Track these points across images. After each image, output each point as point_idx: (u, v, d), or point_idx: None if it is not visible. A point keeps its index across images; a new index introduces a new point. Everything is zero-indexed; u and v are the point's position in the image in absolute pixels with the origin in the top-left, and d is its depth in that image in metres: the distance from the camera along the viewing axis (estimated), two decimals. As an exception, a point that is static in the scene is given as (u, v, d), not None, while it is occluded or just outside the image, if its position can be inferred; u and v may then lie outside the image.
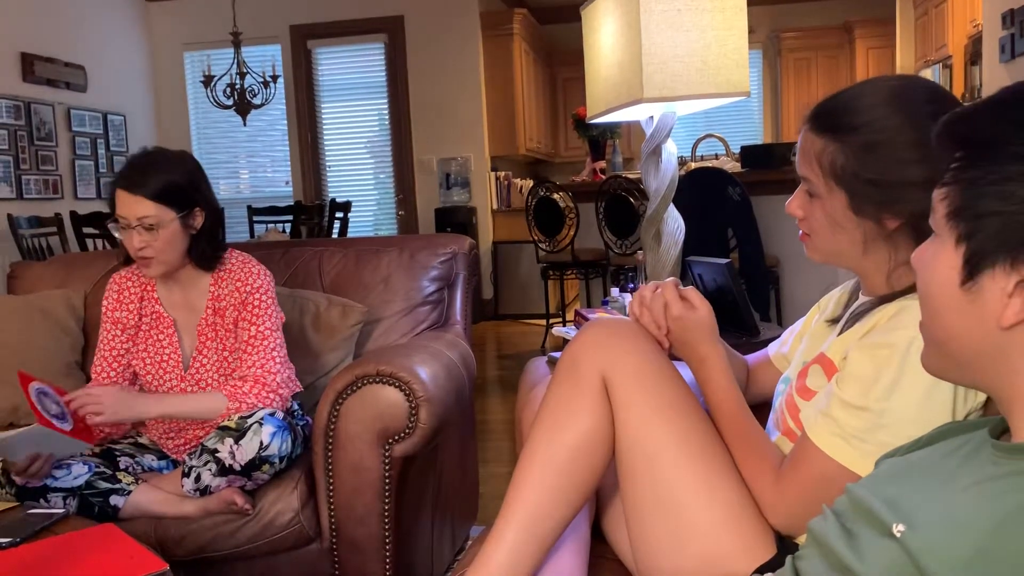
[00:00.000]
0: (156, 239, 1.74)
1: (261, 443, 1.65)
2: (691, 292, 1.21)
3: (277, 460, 1.68)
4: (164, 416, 1.78)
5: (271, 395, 1.77)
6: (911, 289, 1.04)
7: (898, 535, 0.70)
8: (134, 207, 1.72)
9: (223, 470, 1.65)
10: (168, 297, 1.89)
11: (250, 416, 1.69)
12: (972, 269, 0.70)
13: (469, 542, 2.16)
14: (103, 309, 1.91)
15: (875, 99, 1.07)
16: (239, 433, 1.66)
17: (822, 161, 1.09)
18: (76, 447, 1.69)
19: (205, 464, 1.66)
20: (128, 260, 1.86)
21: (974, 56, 5.61)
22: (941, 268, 0.72)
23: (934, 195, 0.74)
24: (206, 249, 1.84)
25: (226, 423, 1.70)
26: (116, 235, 1.80)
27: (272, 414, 1.70)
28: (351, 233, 6.39)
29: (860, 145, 1.06)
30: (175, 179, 1.76)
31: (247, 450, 1.64)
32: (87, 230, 4.73)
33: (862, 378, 1.00)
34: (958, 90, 5.97)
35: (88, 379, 2.30)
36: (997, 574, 0.63)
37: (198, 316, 1.86)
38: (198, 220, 1.81)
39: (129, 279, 1.91)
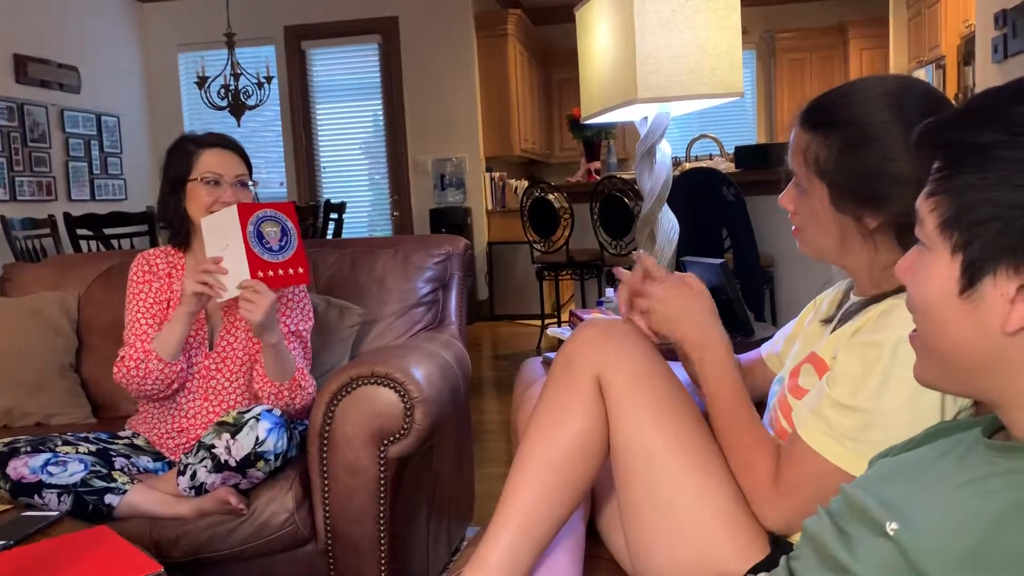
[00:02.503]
0: (247, 197, 1.87)
1: (257, 438, 1.66)
2: (689, 277, 1.23)
3: (272, 457, 1.68)
4: (276, 344, 1.77)
5: (304, 393, 1.83)
6: (901, 289, 1.05)
7: (892, 533, 0.70)
8: (233, 164, 1.87)
9: (218, 466, 1.66)
10: None
11: (247, 411, 1.70)
12: (972, 277, 0.69)
13: (465, 543, 2.16)
14: (132, 284, 1.93)
15: (864, 96, 1.07)
16: (236, 428, 1.67)
17: (807, 155, 1.10)
18: (237, 264, 1.69)
19: (201, 461, 1.67)
20: (171, 240, 1.93)
21: (967, 56, 5.63)
22: (936, 279, 0.71)
23: (920, 206, 0.73)
24: None
25: (223, 418, 1.71)
26: (193, 198, 1.84)
27: (270, 410, 1.71)
28: (346, 234, 6.39)
29: (844, 140, 1.06)
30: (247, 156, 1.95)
31: (243, 445, 1.65)
32: (81, 232, 4.72)
33: (851, 377, 1.00)
34: (951, 91, 5.99)
35: (82, 381, 2.31)
36: (991, 572, 0.63)
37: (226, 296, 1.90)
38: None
39: (157, 256, 1.96)
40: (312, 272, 2.27)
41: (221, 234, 1.73)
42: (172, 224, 1.90)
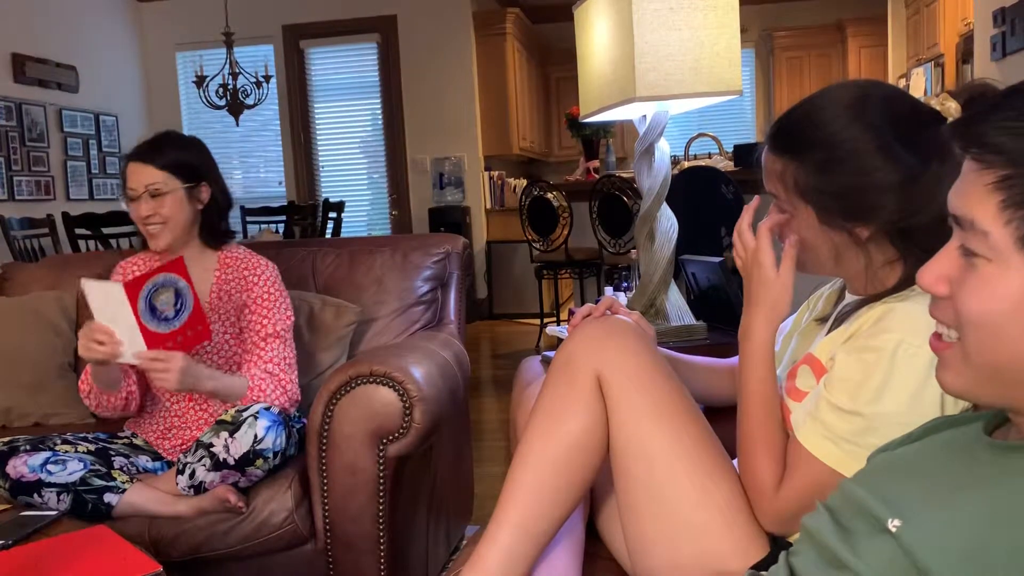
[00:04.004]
0: (162, 206, 1.81)
1: (255, 436, 1.66)
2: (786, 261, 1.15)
3: (271, 455, 1.68)
4: (211, 390, 1.75)
5: (283, 395, 1.81)
6: (895, 289, 1.04)
7: (894, 530, 0.70)
8: (142, 175, 1.82)
9: (217, 464, 1.66)
10: None
11: (245, 409, 1.70)
12: None
13: (464, 542, 2.16)
14: None
15: (829, 115, 1.06)
16: (234, 426, 1.66)
17: (785, 180, 1.09)
18: (132, 339, 1.63)
19: (200, 460, 1.66)
20: (145, 244, 1.92)
21: (966, 54, 5.63)
22: (1010, 294, 0.66)
23: (976, 216, 0.67)
24: (215, 223, 1.92)
25: (223, 417, 1.71)
26: (126, 208, 1.86)
27: (267, 408, 1.71)
28: (344, 233, 6.39)
29: (820, 161, 1.05)
30: (184, 155, 1.87)
31: (241, 443, 1.65)
32: (79, 231, 4.71)
33: (850, 382, 1.00)
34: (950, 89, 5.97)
35: (78, 377, 2.30)
36: (992, 569, 0.63)
37: (203, 301, 1.88)
38: (204, 194, 1.89)
39: (136, 264, 1.98)
40: (311, 271, 2.27)
41: (110, 307, 1.62)
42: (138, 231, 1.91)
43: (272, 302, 1.89)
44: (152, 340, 1.63)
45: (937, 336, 0.73)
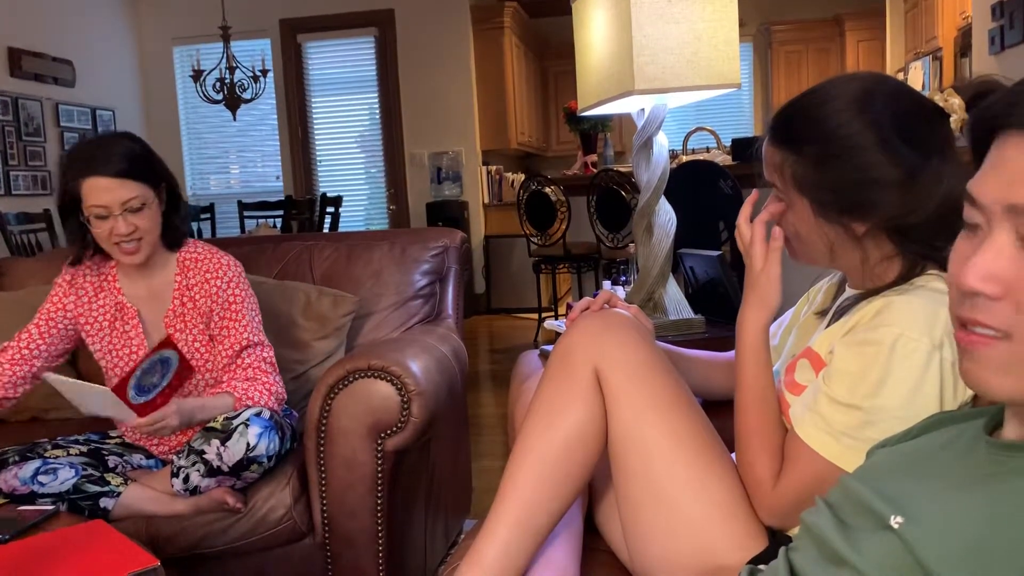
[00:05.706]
0: (144, 220, 1.70)
1: (248, 444, 1.63)
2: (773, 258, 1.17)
3: (265, 459, 1.67)
4: (203, 420, 1.70)
5: (270, 397, 1.76)
6: (895, 283, 1.04)
7: (896, 527, 0.70)
8: (117, 192, 1.66)
9: (211, 471, 1.64)
10: (131, 288, 1.83)
11: (235, 416, 1.66)
12: None
13: (462, 536, 2.16)
14: (49, 301, 1.83)
15: (832, 108, 1.05)
16: (225, 435, 1.63)
17: (784, 172, 1.09)
18: (121, 413, 1.62)
19: (193, 464, 1.64)
20: (78, 259, 1.79)
21: (964, 48, 5.62)
22: None
23: (1017, 203, 0.63)
24: (177, 224, 1.81)
25: (211, 424, 1.67)
26: (92, 228, 1.70)
27: (258, 414, 1.68)
28: (342, 228, 6.38)
29: (818, 156, 1.05)
30: (143, 154, 1.72)
31: (234, 452, 1.62)
32: (76, 226, 4.70)
33: (849, 375, 1.00)
34: (948, 83, 5.98)
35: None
36: (994, 567, 0.63)
37: (164, 307, 1.81)
38: (163, 194, 1.78)
39: (86, 271, 1.85)
40: (308, 265, 2.27)
41: (106, 405, 1.63)
42: (83, 243, 1.77)
43: (240, 310, 1.80)
44: (147, 411, 1.60)
45: (974, 335, 0.66)
